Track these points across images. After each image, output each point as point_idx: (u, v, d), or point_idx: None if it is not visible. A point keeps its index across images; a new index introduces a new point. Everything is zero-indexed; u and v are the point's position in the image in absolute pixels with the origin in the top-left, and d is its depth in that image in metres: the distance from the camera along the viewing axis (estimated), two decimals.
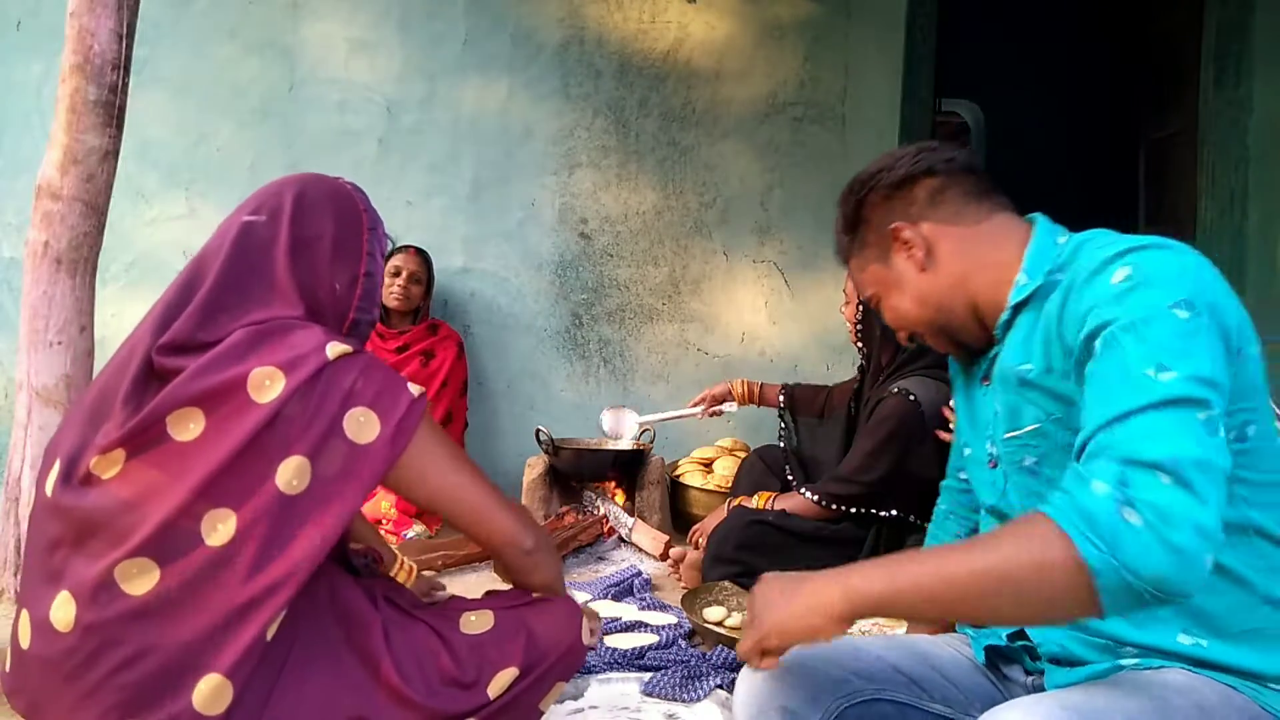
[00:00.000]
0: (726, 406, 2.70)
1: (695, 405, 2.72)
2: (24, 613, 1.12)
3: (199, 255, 1.23)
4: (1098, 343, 0.93)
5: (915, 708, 1.14)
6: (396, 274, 3.05)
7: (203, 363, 1.12)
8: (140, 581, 1.06)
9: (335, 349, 1.14)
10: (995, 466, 1.18)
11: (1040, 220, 1.14)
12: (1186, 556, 0.79)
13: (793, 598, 0.97)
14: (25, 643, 1.11)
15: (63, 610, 1.07)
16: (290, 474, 1.09)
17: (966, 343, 1.19)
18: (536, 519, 1.34)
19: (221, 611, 1.06)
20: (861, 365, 2.35)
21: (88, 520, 1.10)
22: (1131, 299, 0.92)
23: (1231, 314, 0.94)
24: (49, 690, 1.08)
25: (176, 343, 1.15)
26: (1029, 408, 1.08)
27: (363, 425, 1.13)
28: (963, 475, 1.40)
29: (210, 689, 1.05)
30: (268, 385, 1.10)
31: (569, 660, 1.29)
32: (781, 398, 2.60)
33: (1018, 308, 1.10)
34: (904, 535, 2.05)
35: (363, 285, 1.27)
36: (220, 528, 1.07)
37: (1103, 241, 1.04)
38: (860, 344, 2.28)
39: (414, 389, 1.19)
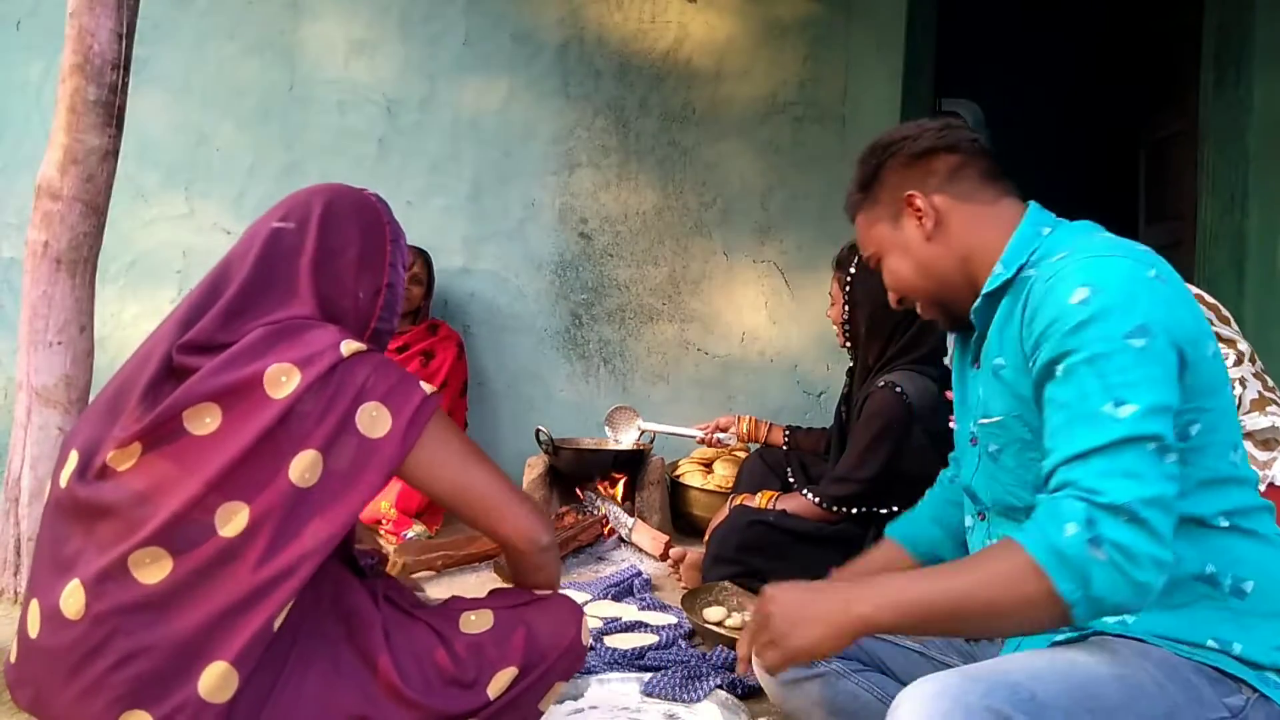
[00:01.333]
0: (726, 437, 2.75)
1: (700, 429, 2.77)
2: (34, 602, 1.14)
3: (225, 259, 1.26)
4: (1059, 368, 1.00)
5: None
6: None
7: (221, 360, 1.14)
8: (152, 570, 1.08)
9: (350, 346, 1.17)
10: (975, 444, 1.24)
11: (1031, 209, 1.20)
12: (1147, 588, 0.92)
13: (810, 626, 1.00)
14: (34, 632, 1.12)
15: (73, 599, 1.08)
16: (303, 468, 1.11)
17: (958, 315, 1.23)
18: (548, 517, 1.34)
19: (230, 600, 1.08)
20: (850, 368, 2.36)
21: (101, 511, 1.11)
22: (1089, 332, 0.97)
23: (1184, 326, 1.00)
24: (54, 682, 1.09)
25: (197, 343, 1.17)
26: (997, 399, 1.16)
27: (375, 420, 1.15)
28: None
29: (216, 676, 1.06)
30: (283, 381, 1.12)
31: (568, 660, 1.29)
32: (785, 439, 2.62)
33: (990, 296, 1.17)
34: None
35: (385, 296, 1.30)
36: (233, 519, 1.09)
37: (1071, 242, 1.10)
38: (847, 344, 2.29)
39: (426, 387, 1.21)
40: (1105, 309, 0.97)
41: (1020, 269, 1.13)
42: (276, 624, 1.09)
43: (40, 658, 1.10)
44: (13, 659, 1.16)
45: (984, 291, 1.17)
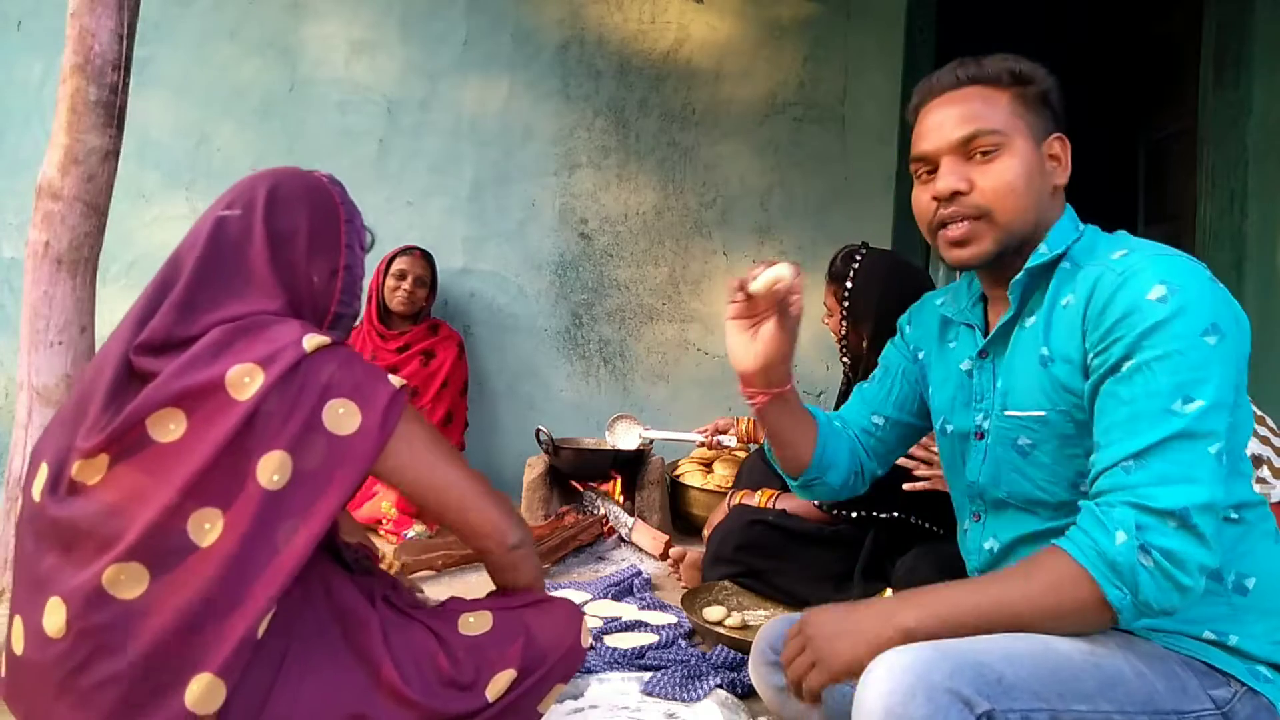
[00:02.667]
0: (726, 439, 2.76)
1: (700, 433, 2.78)
2: (17, 619, 1.12)
3: (174, 253, 1.22)
4: (1129, 364, 0.99)
5: None
6: (402, 277, 3.05)
7: (180, 363, 1.11)
8: (129, 586, 1.05)
9: (312, 341, 1.13)
10: (981, 439, 1.20)
11: (1068, 208, 1.18)
12: (1192, 592, 0.94)
13: (851, 641, 0.99)
14: (19, 649, 1.10)
15: (54, 616, 1.06)
16: (272, 469, 1.08)
17: (1003, 254, 1.13)
18: (521, 517, 1.32)
19: (209, 610, 1.05)
20: (847, 375, 2.36)
21: (75, 526, 1.09)
22: (1170, 329, 0.97)
23: (1242, 324, 1.01)
24: (45, 696, 1.07)
25: (154, 342, 1.14)
26: (1040, 393, 1.11)
27: (342, 417, 1.12)
28: (878, 419, 1.41)
29: (202, 688, 1.04)
30: (246, 382, 1.09)
31: (568, 662, 1.28)
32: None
33: (1032, 272, 1.13)
34: (902, 536, 2.05)
35: (342, 279, 1.26)
36: (208, 527, 1.07)
37: (1122, 242, 1.09)
38: (845, 356, 2.26)
39: (395, 381, 1.18)
40: (1183, 307, 0.97)
41: (1059, 256, 1.12)
42: (260, 630, 1.07)
43: (28, 673, 1.09)
44: (3, 673, 1.15)
45: (1028, 265, 1.13)
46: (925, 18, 3.61)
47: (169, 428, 1.09)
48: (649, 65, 3.42)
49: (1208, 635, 1.03)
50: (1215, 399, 0.96)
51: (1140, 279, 1.00)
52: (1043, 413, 1.11)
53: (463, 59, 3.40)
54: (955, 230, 1.13)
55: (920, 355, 1.37)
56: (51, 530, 1.11)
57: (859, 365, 2.23)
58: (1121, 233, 1.15)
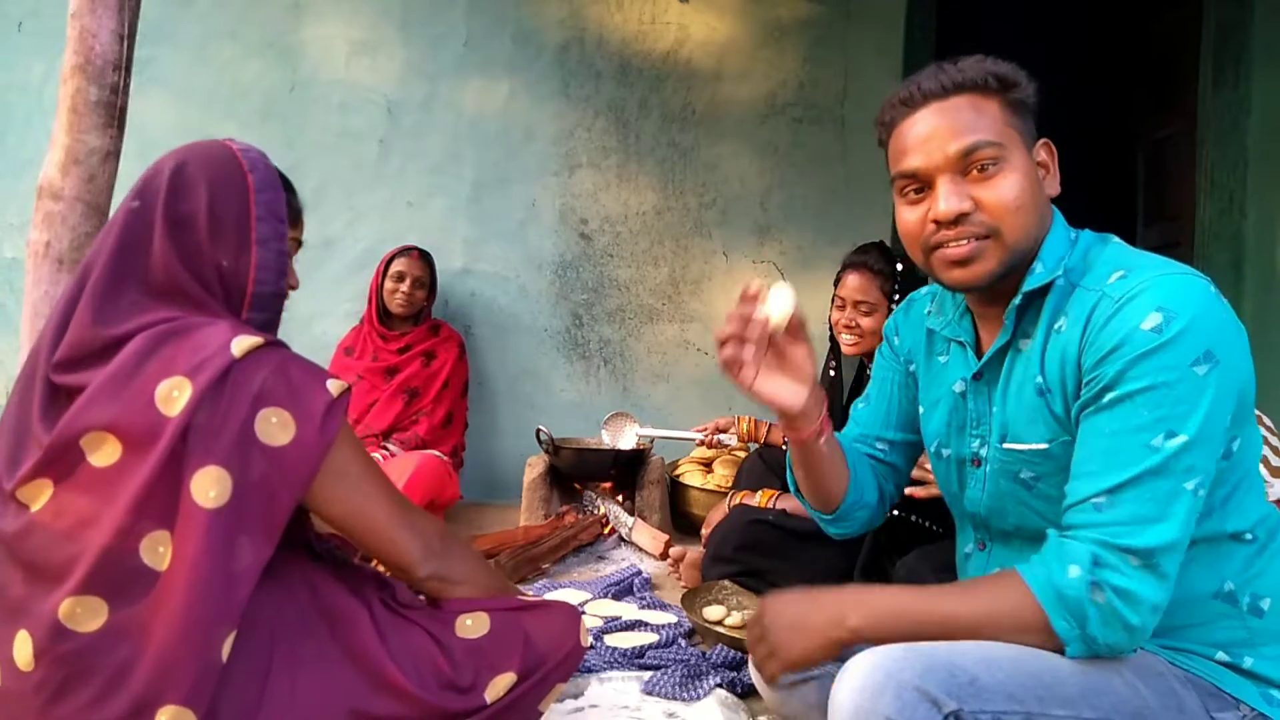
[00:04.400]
0: (726, 438, 2.75)
1: (699, 431, 2.77)
2: None
3: (87, 256, 1.17)
4: (1112, 394, 0.95)
5: None
6: (400, 279, 3.04)
7: (104, 379, 1.05)
8: (88, 619, 1.02)
9: (242, 345, 1.06)
10: (979, 466, 1.16)
11: (1058, 214, 1.12)
12: (1140, 631, 0.93)
13: (804, 636, 1.03)
14: None
15: (23, 649, 1.03)
16: (207, 486, 1.03)
17: (1005, 275, 1.06)
18: (444, 537, 1.25)
19: (170, 638, 1.02)
20: (832, 353, 2.37)
21: (30, 556, 1.05)
22: (1159, 359, 0.93)
23: (1241, 345, 0.97)
24: None
25: (73, 357, 1.09)
26: (1039, 424, 1.06)
27: (275, 427, 1.06)
28: (881, 444, 1.35)
29: (170, 718, 1.01)
30: (175, 396, 1.03)
31: (567, 664, 1.27)
32: (785, 439, 2.61)
33: (1030, 295, 1.06)
34: (902, 535, 2.05)
35: (256, 254, 1.16)
36: (160, 550, 1.03)
37: (1120, 261, 1.02)
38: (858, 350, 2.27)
39: (333, 386, 1.11)
40: (1177, 335, 0.93)
41: (1064, 271, 1.05)
42: (225, 654, 1.03)
43: (10, 702, 1.06)
44: None
45: (1025, 289, 1.06)
46: (925, 18, 3.61)
47: (104, 450, 1.04)
48: (649, 66, 3.42)
49: (1220, 657, 1.00)
50: (1200, 433, 0.92)
51: (1136, 305, 0.95)
52: (1044, 445, 1.06)
53: (463, 60, 3.41)
54: (957, 249, 1.04)
55: (911, 367, 1.31)
56: (10, 555, 1.07)
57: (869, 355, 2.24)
58: (1116, 244, 1.08)
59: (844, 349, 2.27)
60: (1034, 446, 1.07)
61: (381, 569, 1.33)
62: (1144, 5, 4.18)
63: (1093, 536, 0.94)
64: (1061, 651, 0.95)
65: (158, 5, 3.11)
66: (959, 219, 1.04)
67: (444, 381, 3.07)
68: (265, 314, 1.19)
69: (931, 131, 1.05)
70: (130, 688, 1.01)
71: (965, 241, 1.04)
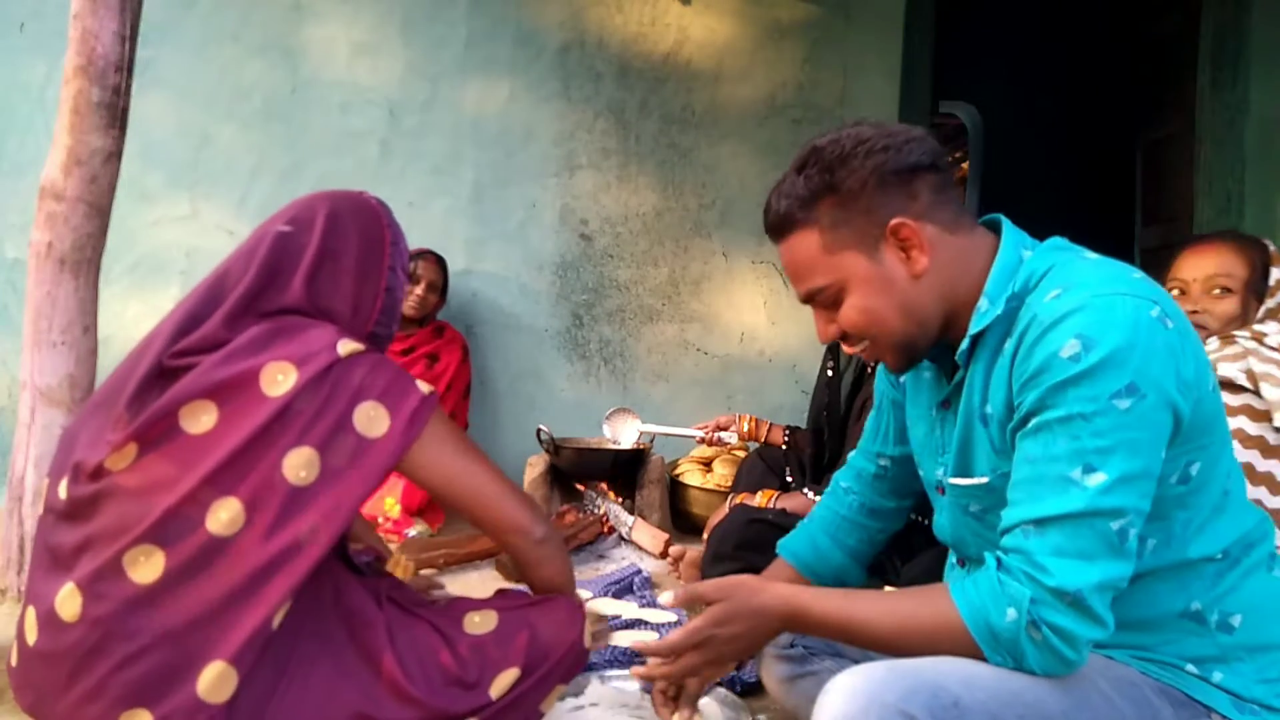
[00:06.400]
0: (727, 436, 2.76)
1: (699, 429, 2.78)
2: (30, 610, 1.13)
3: (225, 263, 1.26)
4: (1034, 421, 0.94)
5: None
6: (415, 281, 3.04)
7: (218, 357, 1.14)
8: (146, 568, 1.07)
9: (346, 346, 1.17)
10: (943, 494, 1.16)
11: (1006, 231, 1.07)
12: (1076, 665, 0.93)
13: (751, 645, 1.07)
14: (32, 639, 1.11)
15: (69, 602, 1.08)
16: (299, 465, 1.11)
17: (916, 359, 1.10)
18: (546, 514, 1.35)
19: (226, 596, 1.07)
20: (828, 371, 2.38)
21: (96, 512, 1.11)
22: (1074, 390, 0.90)
23: (1181, 375, 0.93)
24: (55, 687, 1.09)
25: (196, 348, 1.17)
26: (981, 455, 1.06)
27: (372, 420, 1.16)
28: (883, 461, 1.35)
29: (215, 675, 1.06)
30: (280, 379, 1.13)
31: (570, 661, 1.29)
32: (785, 438, 2.63)
33: (976, 338, 1.04)
34: (904, 532, 2.05)
35: (383, 300, 1.30)
36: (225, 516, 1.09)
37: (1063, 276, 0.99)
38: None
39: (423, 387, 1.21)
40: (1095, 365, 0.89)
41: (1007, 301, 1.02)
42: (276, 621, 1.09)
43: (40, 663, 1.10)
44: (13, 663, 1.16)
45: (971, 332, 1.03)
46: (924, 20, 3.62)
47: (200, 419, 1.12)
48: (649, 67, 3.43)
49: (1190, 669, 1.00)
50: (1122, 472, 0.89)
51: (1057, 331, 0.92)
52: (985, 479, 1.05)
53: (464, 61, 3.42)
54: (865, 355, 1.11)
55: (901, 379, 1.29)
56: (73, 514, 1.13)
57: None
58: (1066, 256, 1.03)
59: (845, 347, 2.29)
60: (976, 481, 1.07)
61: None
62: (1142, 7, 4.19)
63: (1025, 569, 0.93)
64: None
65: (159, 6, 3.12)
66: (843, 338, 1.09)
67: (447, 384, 3.08)
68: (375, 349, 1.29)
69: (786, 271, 1.11)
70: (179, 642, 1.06)
71: (861, 351, 1.10)
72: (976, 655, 0.95)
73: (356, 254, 1.28)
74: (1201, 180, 3.56)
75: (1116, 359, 0.89)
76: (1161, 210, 3.99)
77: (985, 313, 1.03)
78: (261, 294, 1.22)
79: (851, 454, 1.42)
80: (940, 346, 1.10)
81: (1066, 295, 0.95)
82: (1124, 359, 0.89)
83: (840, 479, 1.42)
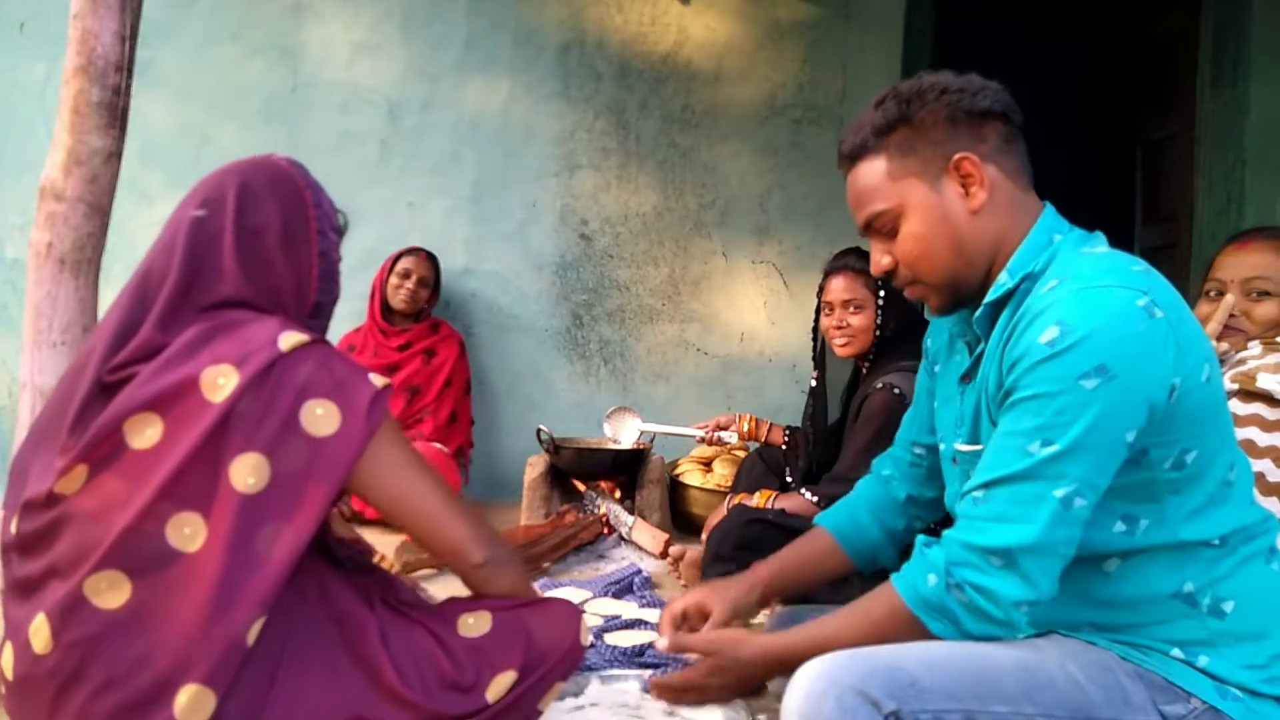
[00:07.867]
0: (727, 435, 2.76)
1: (700, 428, 2.78)
2: (7, 644, 1.10)
3: (146, 260, 1.19)
4: (1009, 400, 0.99)
5: None
6: (406, 276, 3.07)
7: (156, 364, 1.08)
8: (111, 595, 1.03)
9: (289, 340, 1.10)
10: (956, 464, 1.19)
11: (1047, 211, 1.11)
12: (1010, 625, 0.98)
13: (741, 690, 1.22)
14: (10, 673, 1.08)
15: (40, 633, 1.04)
16: (246, 472, 1.05)
17: (961, 303, 1.14)
18: (493, 531, 1.27)
19: (196, 618, 1.03)
20: (819, 354, 2.39)
21: (56, 539, 1.07)
22: (1046, 370, 0.95)
23: (1162, 363, 0.94)
24: (38, 715, 1.05)
25: (132, 359, 1.11)
26: (982, 427, 1.11)
27: (321, 418, 1.09)
28: (918, 449, 1.39)
29: (189, 699, 1.02)
30: (220, 383, 1.06)
31: (568, 662, 1.28)
32: (785, 439, 2.63)
33: (993, 305, 1.08)
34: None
35: (318, 266, 1.23)
36: (188, 531, 1.04)
37: (1068, 266, 1.02)
38: (859, 351, 2.27)
39: (376, 380, 1.14)
40: (1066, 348, 0.93)
41: (1024, 279, 1.05)
42: (251, 637, 1.05)
43: (21, 694, 1.07)
44: (1, 690, 1.12)
45: (987, 299, 1.07)
46: (924, 19, 3.62)
47: (145, 433, 1.06)
48: (649, 67, 3.43)
49: (1175, 654, 1.01)
50: (1075, 443, 0.93)
51: (1041, 320, 0.96)
52: (981, 447, 1.09)
53: (464, 60, 3.42)
54: (910, 293, 1.15)
55: (936, 368, 1.33)
56: (33, 543, 1.09)
57: (869, 354, 2.25)
58: (1077, 249, 1.06)
59: (838, 351, 2.29)
60: (975, 448, 1.12)
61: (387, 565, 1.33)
62: (1142, 6, 4.19)
63: (958, 535, 1.00)
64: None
65: (159, 6, 3.12)
66: (890, 273, 1.13)
67: (446, 379, 3.09)
68: (321, 320, 1.24)
69: (850, 200, 1.15)
70: (154, 665, 1.02)
71: (907, 289, 1.14)
72: (928, 634, 1.01)
73: (279, 226, 1.20)
74: (1201, 180, 3.56)
75: (1088, 342, 0.93)
76: (1161, 210, 3.99)
77: (1001, 284, 1.07)
78: (190, 289, 1.15)
79: (893, 445, 1.46)
80: (966, 315, 1.15)
81: (1061, 286, 0.99)
82: (1097, 342, 0.93)
83: (880, 467, 1.46)
